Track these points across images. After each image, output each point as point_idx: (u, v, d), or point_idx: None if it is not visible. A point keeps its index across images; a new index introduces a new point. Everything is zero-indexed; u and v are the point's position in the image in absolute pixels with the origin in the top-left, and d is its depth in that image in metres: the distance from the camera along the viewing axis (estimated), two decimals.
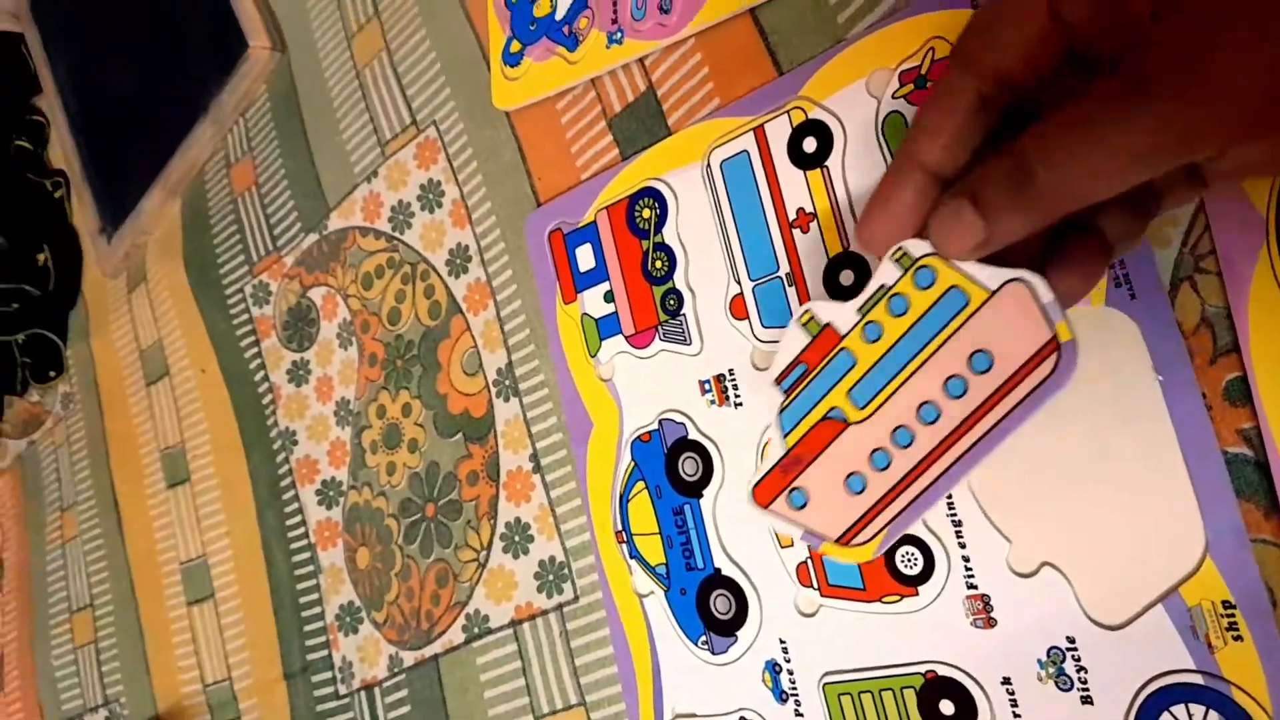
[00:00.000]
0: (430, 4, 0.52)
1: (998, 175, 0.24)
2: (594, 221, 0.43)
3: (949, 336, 0.27)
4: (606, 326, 0.43)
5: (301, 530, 0.57)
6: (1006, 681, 0.32)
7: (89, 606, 0.72)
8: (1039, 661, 0.32)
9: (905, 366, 0.28)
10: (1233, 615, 0.28)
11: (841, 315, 0.29)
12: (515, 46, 0.47)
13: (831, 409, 0.29)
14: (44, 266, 0.79)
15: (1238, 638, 0.28)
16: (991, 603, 0.32)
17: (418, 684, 0.50)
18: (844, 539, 0.29)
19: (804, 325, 0.30)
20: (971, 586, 0.33)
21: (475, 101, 0.49)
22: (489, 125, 0.48)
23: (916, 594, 0.34)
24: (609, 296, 0.43)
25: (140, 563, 0.69)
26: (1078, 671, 0.31)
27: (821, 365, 0.29)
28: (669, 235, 0.41)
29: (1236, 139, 0.22)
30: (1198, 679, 0.29)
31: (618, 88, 0.43)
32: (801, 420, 0.29)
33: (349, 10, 0.56)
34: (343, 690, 0.54)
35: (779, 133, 0.38)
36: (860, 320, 0.28)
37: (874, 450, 0.28)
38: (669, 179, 0.41)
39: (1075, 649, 0.31)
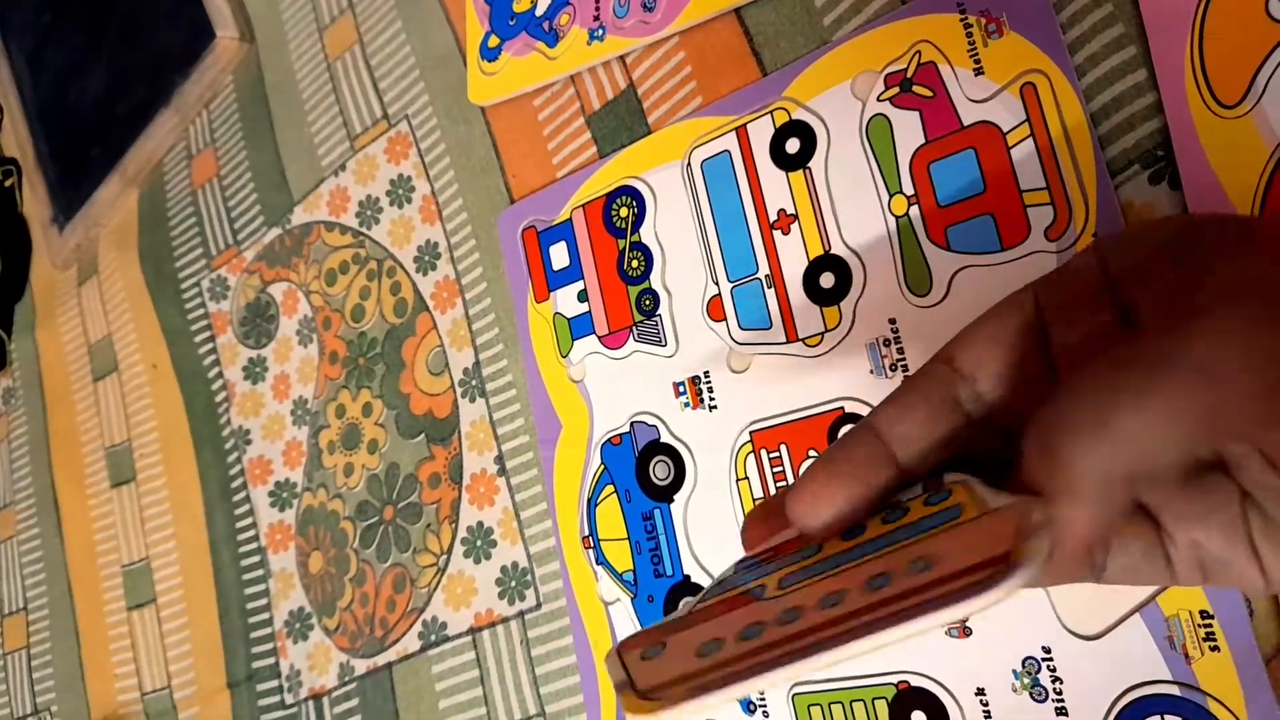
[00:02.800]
0: None
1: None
2: (569, 219, 0.43)
3: (916, 542, 0.21)
4: (579, 326, 0.42)
5: (252, 533, 0.55)
6: (980, 692, 0.32)
7: (22, 610, 0.69)
8: (1014, 672, 0.31)
9: (856, 561, 0.22)
10: (1210, 625, 0.28)
11: None
12: (493, 41, 0.46)
13: (757, 587, 0.23)
14: None
15: (1215, 648, 0.28)
16: None
17: (369, 693, 0.48)
18: (647, 695, 0.21)
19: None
20: None
21: (450, 96, 0.48)
22: (463, 121, 0.47)
23: None
24: (583, 296, 0.42)
25: (79, 565, 0.66)
26: (1053, 682, 0.30)
27: (791, 553, 0.24)
28: (646, 234, 0.40)
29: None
30: (1174, 690, 0.28)
31: (597, 85, 0.43)
32: (725, 592, 0.24)
33: (322, 2, 0.55)
34: (289, 699, 0.52)
35: (762, 133, 0.37)
36: None
37: (752, 624, 0.22)
38: (648, 178, 0.40)
39: (1051, 659, 0.30)
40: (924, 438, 0.22)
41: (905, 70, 0.34)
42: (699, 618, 0.23)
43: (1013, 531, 0.19)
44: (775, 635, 0.21)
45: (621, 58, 0.42)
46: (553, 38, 0.43)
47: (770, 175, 0.37)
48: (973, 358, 0.23)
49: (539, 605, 0.42)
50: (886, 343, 0.34)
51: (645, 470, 0.40)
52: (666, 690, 0.21)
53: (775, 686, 0.21)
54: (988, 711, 0.31)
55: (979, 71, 0.32)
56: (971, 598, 0.18)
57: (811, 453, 0.35)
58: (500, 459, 0.44)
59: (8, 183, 0.78)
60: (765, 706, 0.36)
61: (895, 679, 0.33)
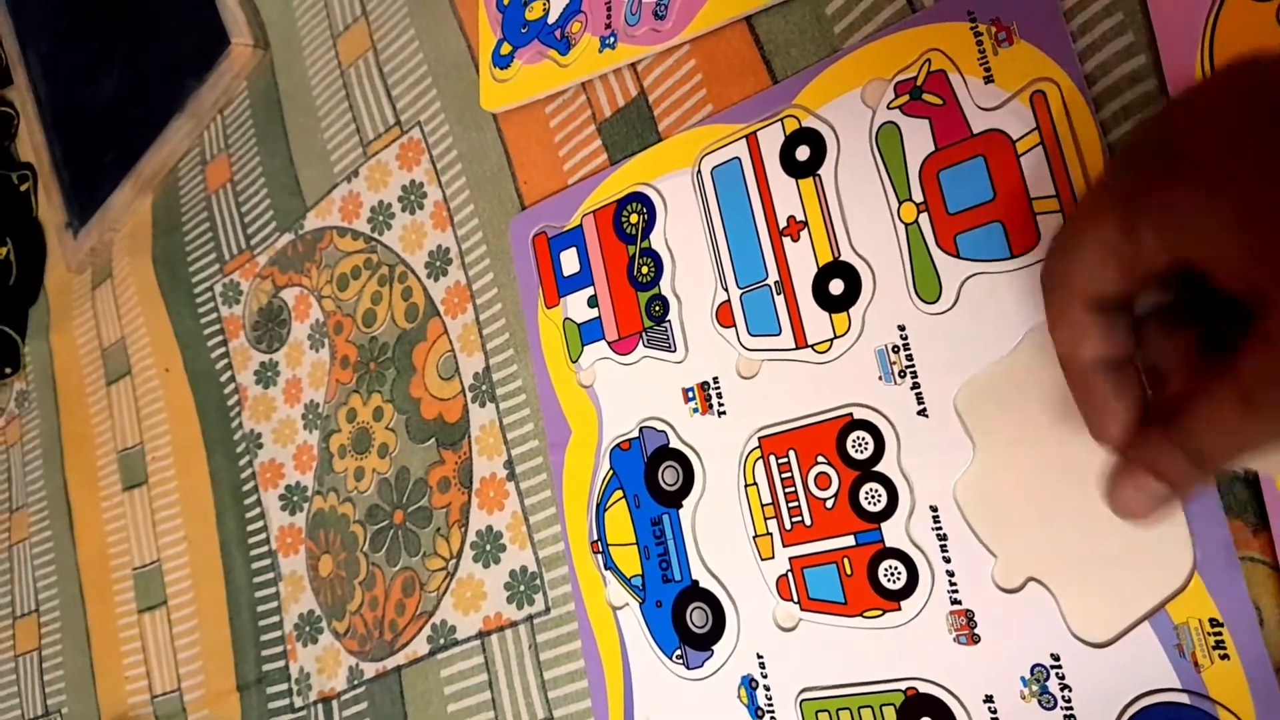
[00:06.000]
0: (420, 5, 0.51)
1: (1169, 451, 0.24)
2: (580, 225, 0.43)
3: None
4: (589, 332, 0.42)
5: (263, 536, 0.56)
6: (989, 699, 0.32)
7: (34, 612, 0.70)
8: (1022, 679, 0.31)
9: None
10: (1220, 633, 0.28)
11: None
12: (506, 49, 0.46)
13: None
14: (5, 260, 0.76)
15: (1225, 656, 0.28)
16: (975, 618, 0.32)
17: (378, 697, 0.48)
18: None
19: None
20: (955, 602, 0.32)
21: (462, 103, 0.48)
22: (475, 127, 0.48)
23: (899, 609, 0.33)
24: (593, 301, 0.42)
25: (91, 567, 0.66)
26: (1062, 690, 0.30)
27: None
28: (656, 241, 0.40)
29: None
30: (1184, 698, 0.28)
31: (609, 92, 0.43)
32: None
33: (336, 10, 0.56)
34: (299, 702, 0.52)
35: (772, 140, 0.37)
36: None
37: None
38: (658, 184, 0.41)
39: (1060, 666, 0.30)
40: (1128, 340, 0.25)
41: (915, 78, 0.34)
42: None
43: None
44: None
45: (633, 65, 0.42)
46: (565, 45, 0.44)
47: (780, 182, 0.37)
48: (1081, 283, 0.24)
49: (548, 610, 0.43)
50: (895, 349, 0.34)
51: (654, 475, 0.40)
52: None
53: None
54: (996, 719, 0.31)
55: (989, 79, 0.33)
56: None
57: (820, 459, 0.35)
58: (510, 464, 0.44)
59: (23, 187, 0.78)
60: (774, 712, 0.36)
61: (903, 685, 0.33)
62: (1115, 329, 0.25)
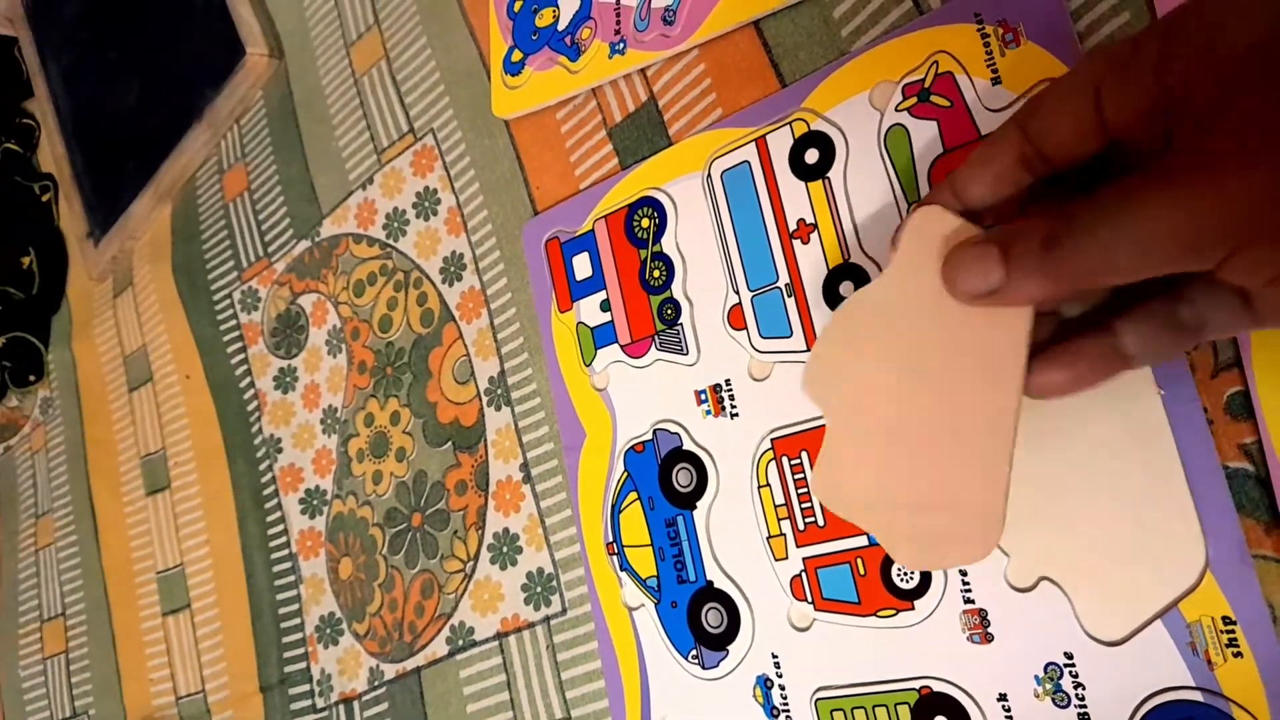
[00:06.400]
0: (431, 14, 0.52)
1: (1029, 236, 0.24)
2: (592, 230, 0.43)
3: None
4: (602, 335, 0.42)
5: (283, 539, 0.56)
6: (1003, 698, 0.32)
7: (61, 615, 0.71)
8: (1036, 678, 0.31)
9: None
10: (1233, 631, 0.28)
11: None
12: (517, 56, 0.47)
13: None
14: (28, 270, 0.78)
15: (1238, 654, 0.28)
16: (989, 617, 0.32)
17: (398, 697, 0.49)
18: None
19: None
20: (968, 601, 0.33)
21: (474, 110, 0.49)
22: (487, 134, 0.48)
23: (912, 608, 0.34)
24: (605, 305, 0.42)
25: (115, 571, 0.67)
26: (1075, 688, 0.30)
27: None
28: (667, 245, 0.41)
29: (1242, 241, 0.21)
30: (1197, 696, 0.28)
31: (619, 98, 0.43)
32: None
33: (349, 18, 0.56)
34: (320, 703, 0.53)
35: (781, 144, 0.38)
36: None
37: None
38: (669, 189, 0.41)
39: (1073, 665, 0.30)
40: (993, 195, 0.27)
41: (923, 80, 0.34)
42: None
43: None
44: None
45: (642, 71, 0.42)
46: (575, 52, 0.44)
47: (790, 185, 0.37)
48: (1040, 126, 0.25)
49: (564, 611, 0.43)
50: None
51: (668, 477, 0.40)
52: None
53: None
54: (1010, 717, 0.32)
55: (996, 81, 0.33)
56: None
57: None
58: (525, 466, 0.45)
59: (45, 198, 0.80)
60: (789, 711, 0.36)
61: (918, 684, 0.34)
62: (1008, 185, 0.27)
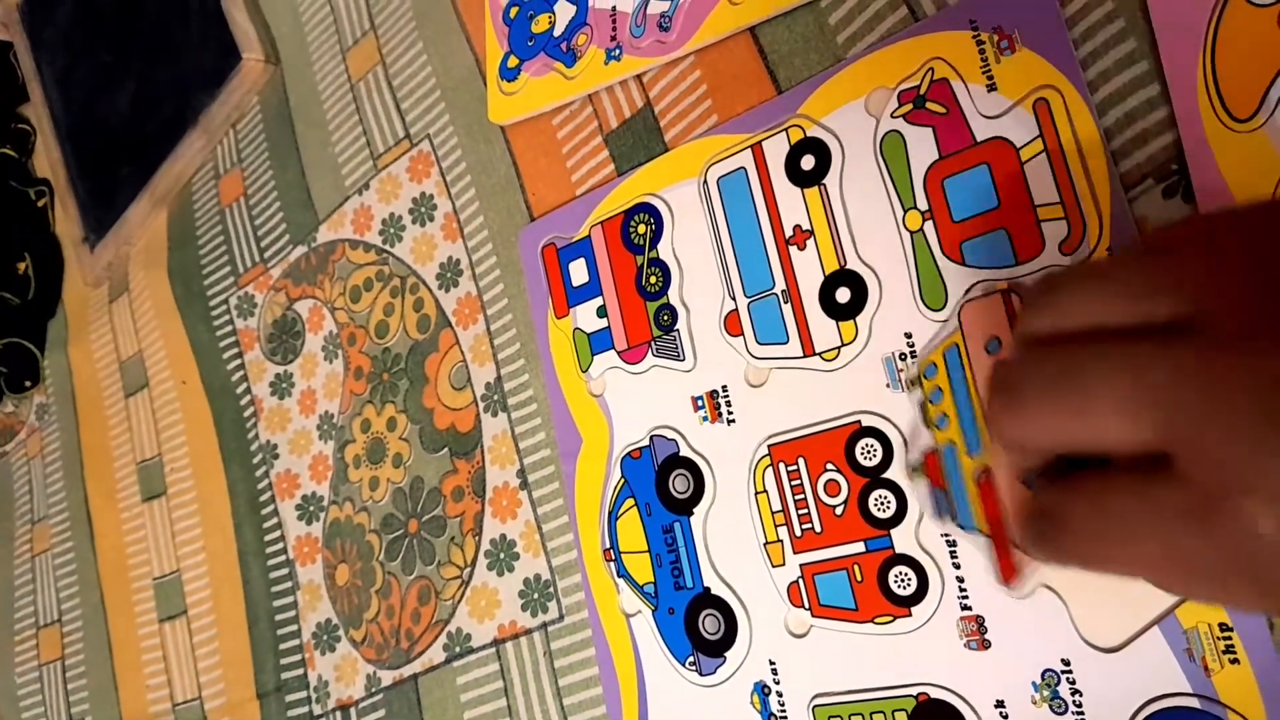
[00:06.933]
0: (427, 20, 0.52)
1: (1029, 524, 0.25)
2: (588, 236, 0.43)
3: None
4: (598, 341, 0.42)
5: (280, 546, 0.56)
6: (1000, 704, 0.32)
7: (57, 622, 0.71)
8: (1033, 684, 0.31)
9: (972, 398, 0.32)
10: (1230, 638, 0.28)
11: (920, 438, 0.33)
12: (513, 62, 0.47)
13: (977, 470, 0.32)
14: (24, 275, 0.77)
15: (1234, 661, 0.28)
16: (986, 624, 0.32)
17: (395, 704, 0.49)
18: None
19: (914, 471, 0.34)
20: (965, 608, 0.33)
21: (470, 116, 0.49)
22: (483, 140, 0.48)
23: (909, 615, 0.34)
24: (602, 311, 0.42)
25: (112, 577, 0.67)
26: (1072, 695, 0.30)
27: (944, 467, 0.33)
28: (664, 251, 0.41)
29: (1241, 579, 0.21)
30: (1194, 702, 0.28)
31: (615, 104, 0.43)
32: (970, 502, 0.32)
33: (345, 24, 0.56)
34: (317, 710, 0.53)
35: (777, 150, 0.38)
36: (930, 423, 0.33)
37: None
38: (665, 195, 0.41)
39: (1070, 671, 0.30)
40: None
41: (918, 87, 0.34)
42: (994, 517, 0.32)
43: None
44: None
45: (638, 77, 0.42)
46: (571, 58, 0.44)
47: (786, 192, 0.37)
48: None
49: (561, 617, 0.43)
50: (902, 356, 0.34)
51: (665, 483, 0.40)
52: None
53: None
54: None
55: (992, 88, 0.33)
56: None
57: (829, 466, 0.36)
58: (522, 472, 0.45)
59: (40, 203, 0.79)
60: (786, 718, 0.36)
61: (915, 691, 0.34)
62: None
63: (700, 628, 0.39)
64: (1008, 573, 0.31)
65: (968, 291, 0.33)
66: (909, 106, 0.34)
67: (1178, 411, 0.20)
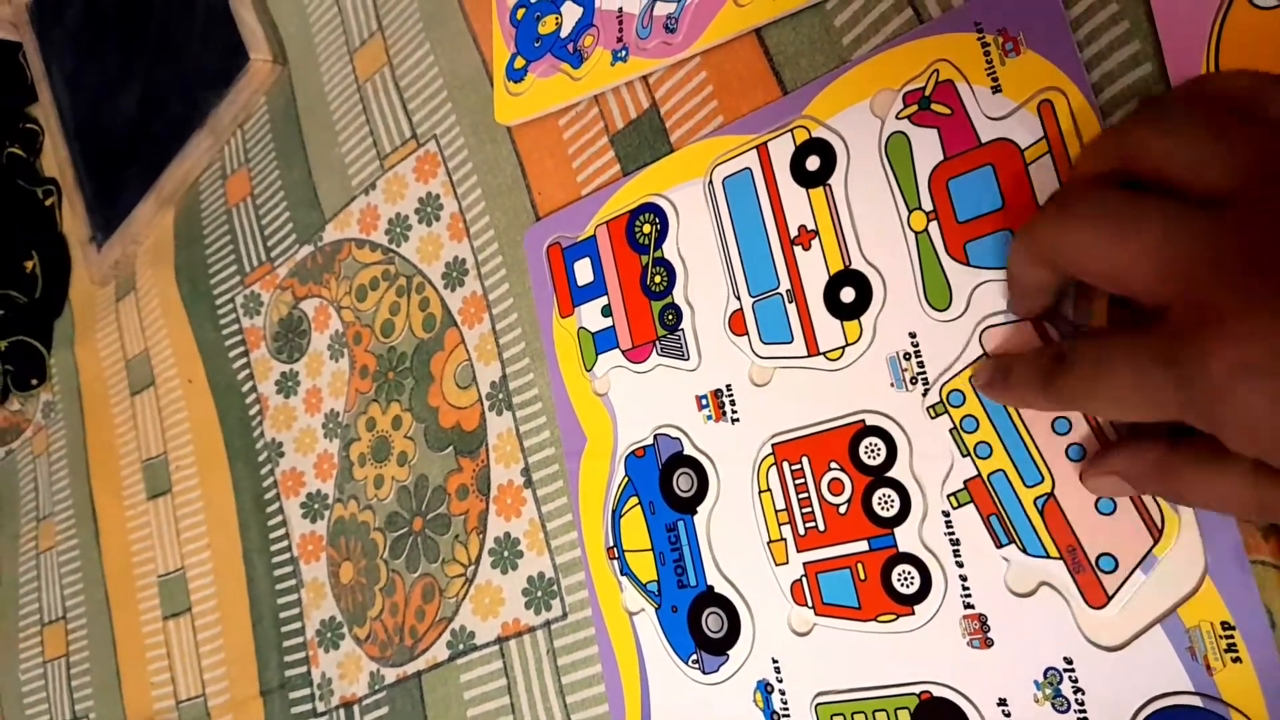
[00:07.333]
0: (434, 21, 0.52)
1: (1031, 367, 0.29)
2: (593, 236, 0.43)
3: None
4: (603, 340, 0.43)
5: (284, 544, 0.56)
6: (1003, 703, 0.32)
7: (62, 619, 0.71)
8: (1036, 683, 0.31)
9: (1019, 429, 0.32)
10: (1232, 637, 0.28)
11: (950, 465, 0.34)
12: (519, 63, 0.47)
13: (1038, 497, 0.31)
14: (31, 274, 0.78)
15: (1237, 659, 0.28)
16: (989, 622, 0.32)
17: (399, 701, 0.49)
18: None
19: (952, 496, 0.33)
20: (968, 606, 0.33)
21: (477, 116, 0.49)
22: (490, 140, 0.48)
23: (912, 613, 0.34)
24: (606, 310, 0.43)
25: (116, 575, 0.67)
26: (1075, 693, 0.31)
27: (995, 494, 0.32)
28: (669, 250, 0.41)
29: (1195, 416, 0.23)
30: (1196, 701, 0.28)
31: (621, 105, 0.43)
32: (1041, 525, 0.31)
33: (352, 25, 0.57)
34: (321, 707, 0.53)
35: (782, 151, 0.38)
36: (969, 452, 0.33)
37: None
38: (670, 195, 0.41)
39: (1073, 670, 0.31)
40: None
41: (923, 88, 0.34)
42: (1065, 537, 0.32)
43: None
44: None
45: (644, 78, 0.43)
46: (577, 59, 0.44)
47: (791, 192, 0.38)
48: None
49: (565, 615, 0.43)
50: (907, 356, 0.34)
51: (669, 482, 0.40)
52: None
53: None
54: None
55: (996, 89, 0.33)
56: None
57: (832, 465, 0.36)
58: (526, 471, 0.45)
59: (48, 202, 0.80)
60: (789, 716, 0.36)
61: (917, 689, 0.34)
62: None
63: (703, 626, 0.39)
64: (1096, 597, 0.30)
65: (972, 292, 0.33)
66: (914, 108, 0.35)
67: (1184, 264, 0.23)
